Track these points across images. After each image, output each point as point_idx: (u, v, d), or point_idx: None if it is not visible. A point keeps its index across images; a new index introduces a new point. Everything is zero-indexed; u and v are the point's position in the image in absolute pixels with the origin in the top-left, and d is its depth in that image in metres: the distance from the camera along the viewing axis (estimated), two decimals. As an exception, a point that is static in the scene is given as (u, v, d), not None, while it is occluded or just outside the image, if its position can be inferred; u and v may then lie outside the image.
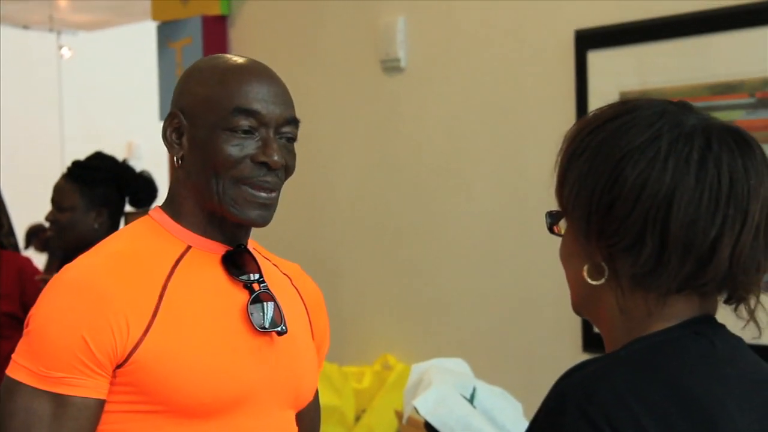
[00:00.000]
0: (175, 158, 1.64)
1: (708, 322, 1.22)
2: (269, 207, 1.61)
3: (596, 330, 2.05)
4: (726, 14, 2.69)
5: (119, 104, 9.27)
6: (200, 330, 1.56)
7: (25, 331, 1.55)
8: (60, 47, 8.85)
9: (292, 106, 1.64)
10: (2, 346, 3.48)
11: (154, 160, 6.71)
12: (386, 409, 3.27)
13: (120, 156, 3.37)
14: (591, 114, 1.27)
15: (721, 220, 1.16)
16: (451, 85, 3.39)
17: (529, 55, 3.17)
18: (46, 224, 3.26)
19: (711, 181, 1.16)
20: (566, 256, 1.27)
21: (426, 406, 2.29)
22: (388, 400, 3.32)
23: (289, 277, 1.77)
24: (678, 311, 1.21)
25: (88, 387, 1.51)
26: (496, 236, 3.27)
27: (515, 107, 3.21)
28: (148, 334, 1.53)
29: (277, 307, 1.63)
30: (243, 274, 1.63)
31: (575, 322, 2.97)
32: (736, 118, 2.66)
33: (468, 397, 2.40)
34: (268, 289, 1.64)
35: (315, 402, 1.81)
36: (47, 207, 3.19)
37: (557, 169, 1.26)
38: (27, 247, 7.18)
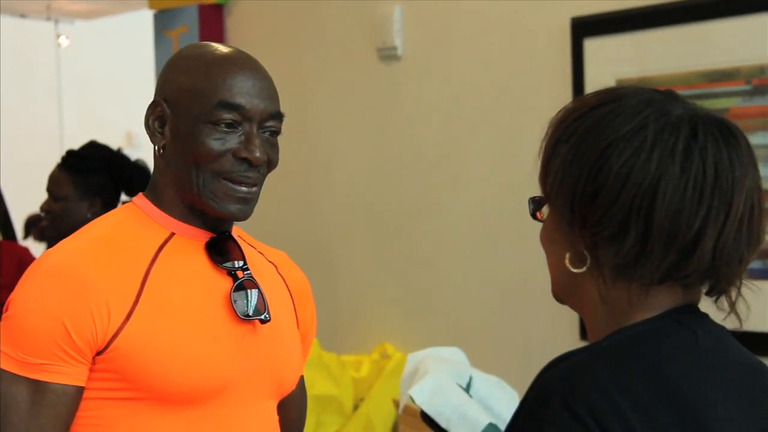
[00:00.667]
0: (157, 147, 1.63)
1: (691, 312, 1.22)
2: (249, 201, 1.60)
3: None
4: (722, 1, 2.68)
5: (118, 93, 9.26)
6: (182, 317, 1.55)
7: (4, 315, 1.54)
8: (58, 36, 8.83)
9: (277, 100, 1.62)
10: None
11: (153, 149, 6.69)
12: (384, 397, 3.28)
13: (119, 145, 3.36)
14: (577, 100, 1.27)
15: (705, 211, 1.16)
16: (448, 74, 3.38)
17: (526, 43, 3.16)
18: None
19: (696, 171, 1.16)
20: (547, 242, 1.27)
21: (422, 396, 2.29)
22: (386, 389, 3.33)
23: (274, 265, 1.75)
24: (660, 301, 1.21)
25: (68, 374, 1.50)
26: (494, 225, 3.27)
27: (511, 96, 3.20)
28: (130, 321, 1.51)
29: (261, 294, 1.62)
30: (227, 261, 1.61)
31: (572, 311, 2.96)
32: (733, 105, 2.66)
33: (464, 386, 2.40)
34: (252, 276, 1.62)
35: (300, 391, 1.80)
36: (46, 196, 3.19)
37: (541, 155, 1.25)
38: (26, 236, 7.18)
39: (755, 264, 2.32)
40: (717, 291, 1.23)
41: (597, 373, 1.14)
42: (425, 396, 2.30)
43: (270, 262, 1.75)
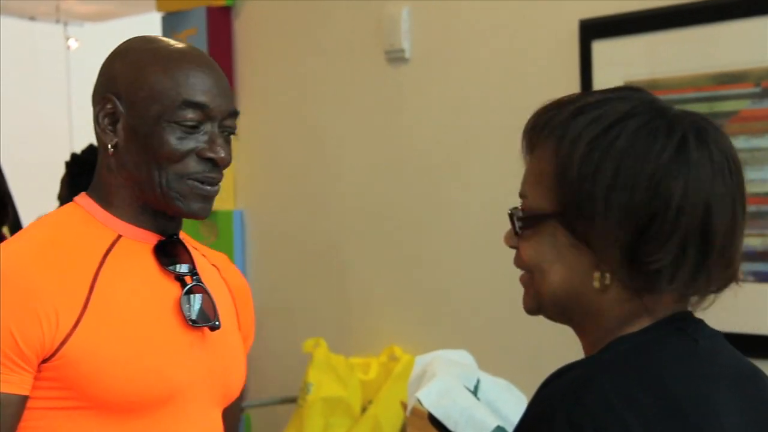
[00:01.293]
0: (108, 145, 1.57)
1: (688, 319, 1.22)
2: (212, 200, 1.57)
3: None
4: (731, 3, 2.67)
5: (127, 95, 9.26)
6: (131, 325, 1.50)
7: None
8: (67, 38, 8.84)
9: (233, 97, 1.60)
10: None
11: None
12: (393, 400, 3.27)
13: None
14: (577, 99, 1.25)
15: (741, 228, 1.17)
16: (456, 76, 3.38)
17: (534, 46, 3.16)
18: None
19: (732, 186, 1.17)
20: (546, 261, 1.23)
21: (429, 398, 2.28)
22: (394, 392, 3.32)
23: (217, 268, 1.71)
24: (660, 308, 1.20)
25: (12, 383, 1.44)
26: (502, 228, 3.25)
27: (519, 98, 3.20)
28: (78, 328, 1.46)
29: (210, 300, 1.58)
30: (175, 265, 1.57)
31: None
32: (742, 107, 2.65)
33: (472, 388, 2.39)
34: (201, 281, 1.59)
35: (239, 398, 1.75)
36: (55, 198, 3.19)
37: (556, 165, 1.23)
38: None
39: (760, 267, 2.32)
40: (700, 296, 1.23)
41: (600, 386, 1.13)
42: (433, 398, 2.29)
43: (213, 265, 1.71)
